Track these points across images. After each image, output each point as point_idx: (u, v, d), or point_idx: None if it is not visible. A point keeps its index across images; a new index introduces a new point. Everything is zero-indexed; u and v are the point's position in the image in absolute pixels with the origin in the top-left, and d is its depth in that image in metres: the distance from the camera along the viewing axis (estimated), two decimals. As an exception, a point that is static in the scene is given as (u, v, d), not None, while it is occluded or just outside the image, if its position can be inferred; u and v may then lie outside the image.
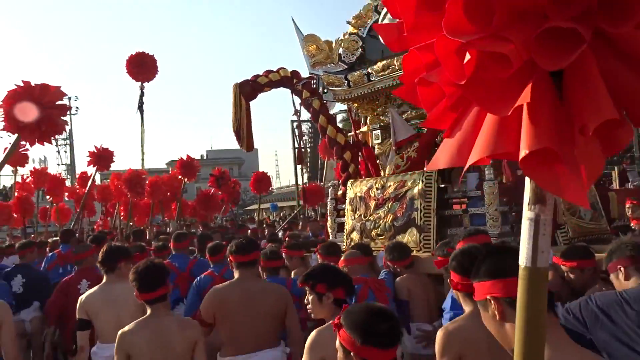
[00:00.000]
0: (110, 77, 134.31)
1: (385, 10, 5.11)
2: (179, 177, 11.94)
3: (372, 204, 4.53)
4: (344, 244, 4.77)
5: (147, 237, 9.61)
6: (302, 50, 5.89)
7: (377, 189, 4.57)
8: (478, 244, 2.53)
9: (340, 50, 5.54)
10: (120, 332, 2.94)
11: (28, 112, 4.05)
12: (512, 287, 1.39)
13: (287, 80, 6.22)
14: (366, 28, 5.47)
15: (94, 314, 3.68)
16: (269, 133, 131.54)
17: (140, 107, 13.61)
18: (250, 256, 3.52)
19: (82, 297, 3.78)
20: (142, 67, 12.77)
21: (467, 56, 0.88)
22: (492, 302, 1.55)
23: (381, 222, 4.40)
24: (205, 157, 51.85)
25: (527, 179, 1.01)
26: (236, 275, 3.52)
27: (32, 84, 4.10)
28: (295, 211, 14.20)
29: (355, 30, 5.52)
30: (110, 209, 13.83)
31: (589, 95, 0.84)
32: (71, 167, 37.73)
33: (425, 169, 4.31)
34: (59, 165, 38.94)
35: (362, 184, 4.86)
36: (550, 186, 0.91)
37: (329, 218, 5.65)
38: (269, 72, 6.54)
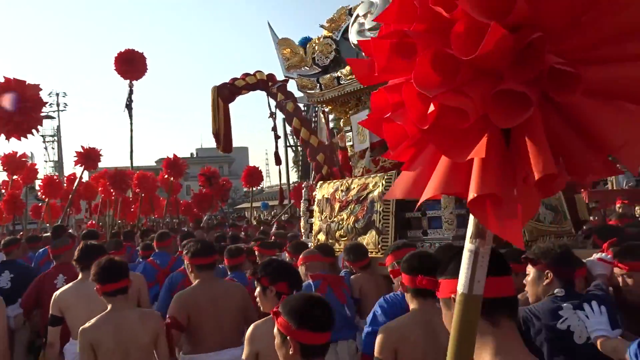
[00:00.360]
0: (101, 73, 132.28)
1: (355, 14, 5.18)
2: (166, 176, 12.03)
3: (337, 205, 4.59)
4: (311, 244, 4.85)
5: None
6: (277, 54, 5.96)
7: (341, 191, 4.63)
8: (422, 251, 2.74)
9: (315, 54, 5.62)
10: (80, 329, 2.94)
11: (2, 105, 4.11)
12: None
13: (263, 83, 6.28)
14: (340, 31, 5.54)
15: (67, 310, 3.69)
16: (259, 132, 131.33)
17: (129, 106, 13.56)
18: (209, 259, 3.58)
19: (57, 293, 3.79)
20: (131, 65, 12.72)
21: (432, 107, 0.98)
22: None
23: (344, 223, 4.46)
24: (195, 156, 51.59)
25: (471, 216, 1.12)
26: (197, 278, 3.55)
27: (9, 79, 4.15)
28: (284, 210, 14.26)
29: (329, 34, 5.58)
30: (95, 208, 13.89)
31: (534, 151, 0.94)
32: (59, 164, 37.15)
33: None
34: (46, 162, 38.20)
35: (330, 185, 4.91)
36: (491, 225, 1.01)
37: (302, 219, 5.74)
38: (246, 75, 6.60)
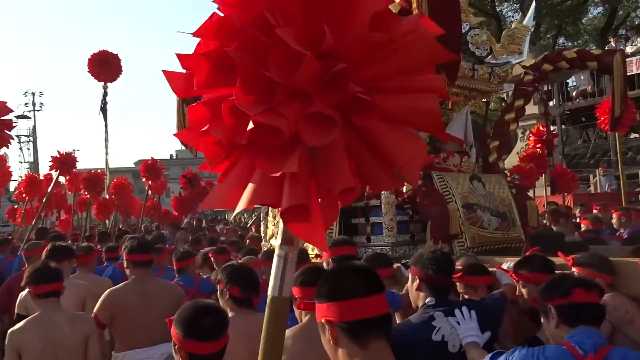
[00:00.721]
0: (78, 72, 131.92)
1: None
2: (143, 180, 12.00)
3: (288, 210, 4.66)
4: (265, 249, 4.89)
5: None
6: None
7: (293, 196, 4.70)
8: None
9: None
10: (9, 331, 2.99)
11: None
12: (347, 311, 1.41)
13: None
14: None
15: (32, 310, 3.75)
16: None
17: (103, 109, 13.42)
18: (144, 256, 3.64)
19: (23, 293, 3.82)
20: (104, 66, 12.54)
21: (250, 124, 1.06)
22: (327, 326, 1.46)
23: (293, 228, 4.53)
24: (174, 157, 50.52)
25: (281, 224, 1.22)
26: (133, 275, 3.62)
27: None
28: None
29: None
30: (68, 209, 13.82)
31: (336, 167, 1.07)
32: (34, 165, 35.93)
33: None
34: (21, 162, 37.37)
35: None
36: (299, 233, 1.12)
37: (262, 223, 5.78)
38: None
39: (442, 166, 4.57)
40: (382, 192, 3.90)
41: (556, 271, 2.67)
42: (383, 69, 1.10)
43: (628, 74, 18.34)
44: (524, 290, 2.65)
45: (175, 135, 1.33)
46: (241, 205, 1.09)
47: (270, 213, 5.07)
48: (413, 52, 1.10)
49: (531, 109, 15.59)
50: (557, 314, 1.97)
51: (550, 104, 18.49)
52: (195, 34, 1.11)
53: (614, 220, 6.64)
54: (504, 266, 2.95)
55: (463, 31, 5.31)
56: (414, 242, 4.09)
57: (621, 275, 2.71)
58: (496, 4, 22.01)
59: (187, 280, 4.27)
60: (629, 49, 17.49)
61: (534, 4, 6.06)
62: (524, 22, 5.67)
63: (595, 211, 8.79)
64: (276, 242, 1.24)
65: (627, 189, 15.35)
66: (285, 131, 1.05)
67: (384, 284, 1.53)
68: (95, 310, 3.50)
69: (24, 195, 11.73)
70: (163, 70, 1.16)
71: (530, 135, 10.49)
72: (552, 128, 17.11)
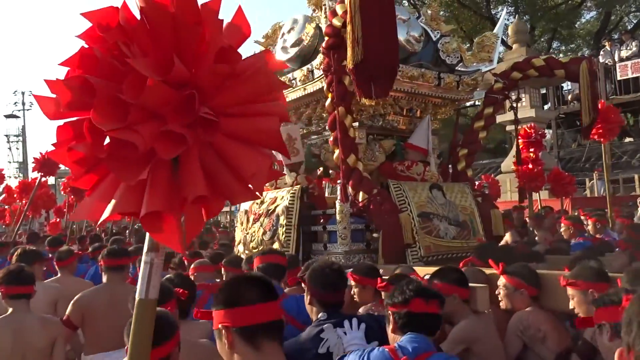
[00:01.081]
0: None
1: (282, 31, 5.31)
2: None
3: (251, 217, 4.73)
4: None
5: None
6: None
7: (256, 203, 4.76)
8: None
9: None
10: None
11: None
12: (242, 317, 1.55)
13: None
14: (274, 47, 5.67)
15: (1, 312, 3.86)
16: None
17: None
18: (117, 261, 3.74)
19: None
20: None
21: (107, 139, 1.21)
22: (224, 331, 1.56)
23: (256, 235, 4.59)
24: None
25: (147, 233, 1.36)
26: (105, 279, 3.72)
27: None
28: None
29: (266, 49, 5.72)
30: (58, 211, 13.91)
31: (191, 177, 1.23)
32: (24, 165, 35.70)
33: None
34: (10, 162, 37.21)
35: (251, 198, 5.04)
36: (159, 237, 1.29)
37: (236, 229, 5.84)
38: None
39: (405, 174, 4.63)
40: (337, 201, 3.95)
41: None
42: (230, 96, 1.29)
43: (622, 77, 18.33)
44: None
45: (47, 153, 1.44)
46: (105, 215, 1.24)
47: (238, 219, 5.13)
48: (255, 83, 1.30)
49: (528, 112, 15.62)
50: (394, 320, 2.04)
51: (545, 107, 18.52)
52: (62, 64, 1.28)
53: (589, 227, 6.65)
54: (426, 277, 2.99)
55: (434, 39, 5.38)
56: (369, 250, 4.14)
57: (546, 289, 2.76)
58: (491, 6, 22.06)
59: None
60: (623, 53, 17.53)
61: (504, 12, 6.09)
62: (494, 31, 5.73)
63: (582, 217, 8.76)
64: (144, 249, 1.37)
65: (623, 193, 15.36)
66: (140, 146, 1.20)
67: (277, 293, 1.66)
68: (67, 311, 3.60)
69: (17, 199, 11.86)
70: (34, 95, 1.31)
71: (519, 137, 10.31)
72: (546, 131, 17.17)
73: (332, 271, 2.45)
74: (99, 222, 1.23)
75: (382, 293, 2.79)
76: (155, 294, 1.38)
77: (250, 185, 1.37)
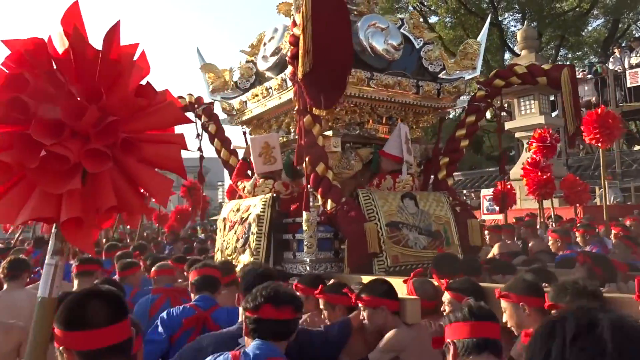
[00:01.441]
0: None
1: (264, 40, 5.37)
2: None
3: (227, 225, 4.77)
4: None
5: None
6: (204, 78, 6.19)
7: (233, 211, 4.81)
8: None
9: (236, 77, 5.83)
10: None
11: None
12: (87, 341, 1.44)
13: (191, 105, 6.51)
14: (258, 56, 5.73)
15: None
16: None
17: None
18: (85, 267, 3.98)
19: None
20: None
21: (43, 152, 1.40)
22: (64, 353, 1.49)
23: (231, 242, 4.64)
24: None
25: (52, 236, 1.54)
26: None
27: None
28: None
29: (251, 58, 5.79)
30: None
31: (102, 191, 1.45)
32: None
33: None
34: None
35: (229, 205, 5.10)
36: (74, 241, 1.49)
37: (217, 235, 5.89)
38: (179, 97, 6.82)
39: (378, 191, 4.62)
40: (304, 210, 3.98)
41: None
42: (142, 123, 1.53)
43: (633, 85, 18.04)
44: (364, 313, 2.70)
45: None
46: (20, 219, 1.40)
47: (218, 226, 5.19)
48: (163, 115, 1.57)
49: (536, 118, 15.46)
50: (246, 325, 2.08)
51: (554, 114, 18.34)
52: None
53: (578, 239, 6.58)
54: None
55: (417, 47, 5.39)
56: (337, 259, 4.15)
57: (491, 303, 2.73)
58: (498, 13, 21.97)
59: (126, 291, 4.39)
60: (633, 60, 17.33)
61: (487, 22, 6.07)
62: (478, 39, 5.72)
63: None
64: (48, 253, 1.54)
65: (634, 201, 15.11)
66: (71, 159, 1.40)
67: (127, 311, 1.57)
68: None
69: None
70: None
71: (533, 141, 9.93)
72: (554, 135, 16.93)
73: (257, 275, 2.56)
74: (14, 226, 1.34)
75: (320, 301, 2.82)
76: (57, 293, 1.53)
77: (153, 200, 1.62)
